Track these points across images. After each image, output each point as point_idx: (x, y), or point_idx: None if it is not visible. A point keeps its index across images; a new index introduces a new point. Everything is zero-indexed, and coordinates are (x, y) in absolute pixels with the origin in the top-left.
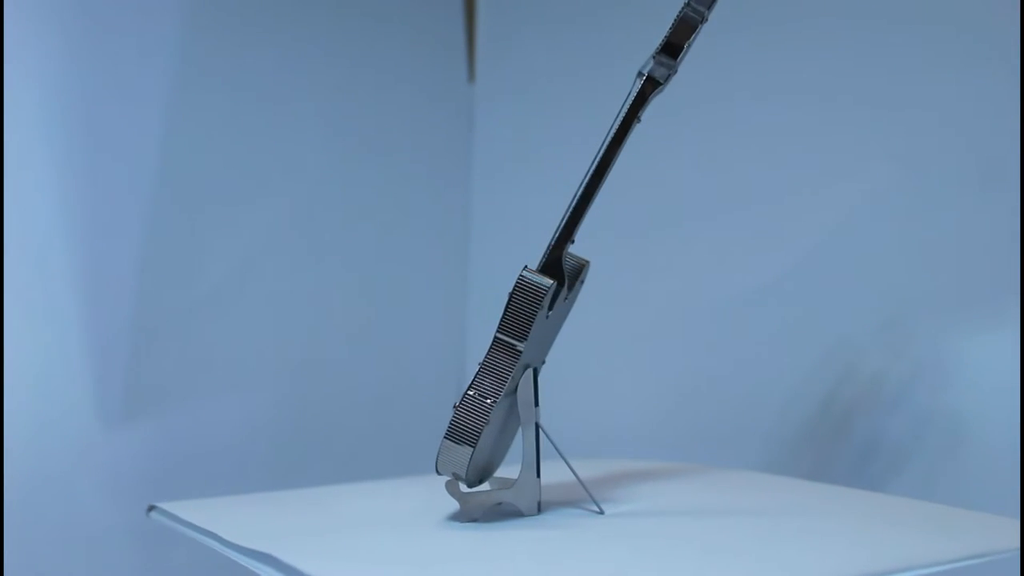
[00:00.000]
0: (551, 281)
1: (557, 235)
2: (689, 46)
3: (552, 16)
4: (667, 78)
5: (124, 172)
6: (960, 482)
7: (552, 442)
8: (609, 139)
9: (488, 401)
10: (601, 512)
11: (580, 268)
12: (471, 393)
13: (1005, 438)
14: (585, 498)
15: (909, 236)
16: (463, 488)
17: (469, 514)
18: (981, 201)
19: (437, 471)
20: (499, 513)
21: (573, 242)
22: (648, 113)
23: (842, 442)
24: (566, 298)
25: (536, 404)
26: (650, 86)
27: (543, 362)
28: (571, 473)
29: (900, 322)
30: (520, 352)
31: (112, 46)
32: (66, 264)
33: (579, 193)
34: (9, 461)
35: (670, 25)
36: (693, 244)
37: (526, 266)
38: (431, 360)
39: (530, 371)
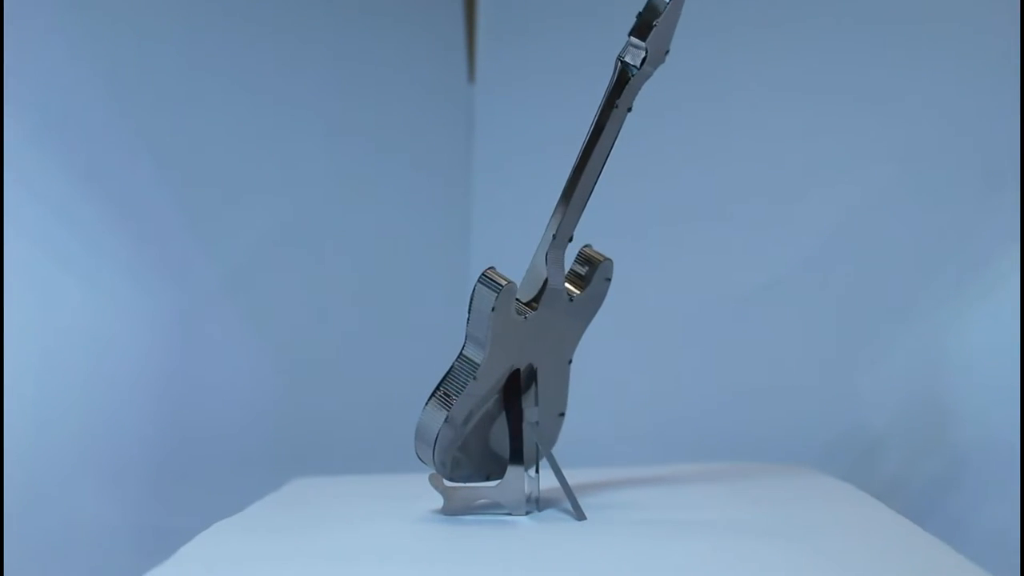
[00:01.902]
0: (505, 283)
1: (544, 235)
2: (659, 26)
3: (552, 15)
4: (644, 62)
5: (124, 171)
6: (959, 478)
7: (539, 442)
8: (590, 130)
9: (450, 399)
10: (583, 519)
11: (595, 267)
12: (437, 391)
13: (1003, 434)
14: (590, 501)
15: (910, 234)
16: (446, 483)
17: (451, 509)
18: (981, 200)
19: (419, 458)
20: (491, 511)
21: (571, 239)
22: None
23: (844, 441)
24: (571, 298)
25: (536, 404)
26: (625, 71)
27: (569, 361)
28: (597, 475)
29: (902, 320)
30: (482, 353)
31: (112, 45)
32: (66, 263)
33: (564, 189)
34: (9, 461)
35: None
36: (698, 245)
37: (491, 267)
38: (431, 359)
39: (524, 371)
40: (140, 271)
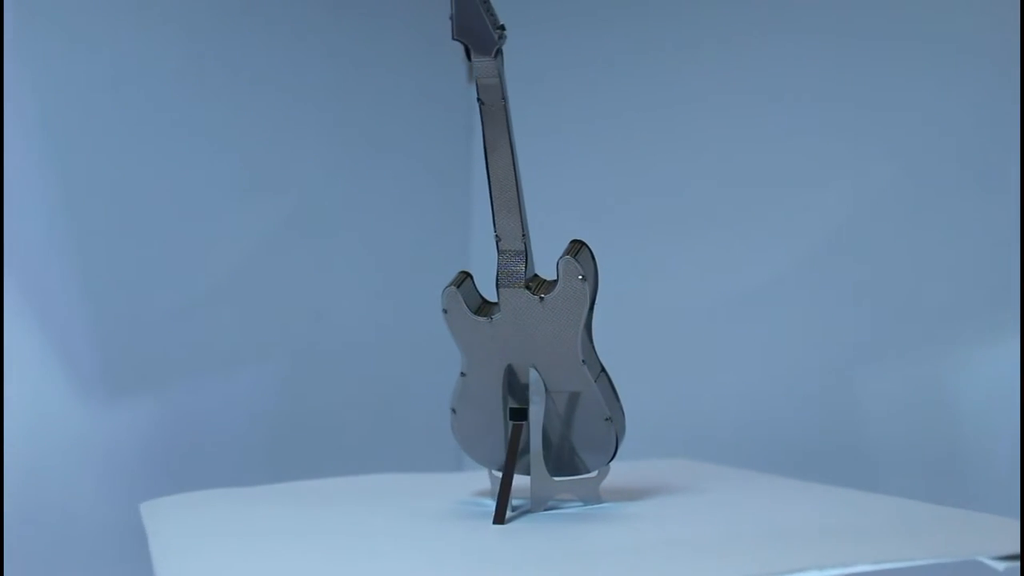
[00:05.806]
0: (448, 286)
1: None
2: (455, 19)
3: (552, 16)
4: (469, 50)
5: (125, 170)
6: (962, 482)
7: (515, 442)
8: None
9: (458, 385)
10: (498, 523)
11: (559, 266)
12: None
13: (1004, 435)
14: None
15: (910, 234)
16: (492, 472)
17: (492, 493)
18: (981, 200)
19: None
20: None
21: (525, 235)
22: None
23: (844, 445)
24: (542, 297)
25: (540, 404)
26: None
27: (583, 362)
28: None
29: (901, 319)
30: (462, 350)
31: (112, 45)
32: (67, 262)
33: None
34: (9, 460)
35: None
36: (692, 247)
37: (463, 271)
38: (431, 360)
39: (517, 370)
40: (140, 270)
